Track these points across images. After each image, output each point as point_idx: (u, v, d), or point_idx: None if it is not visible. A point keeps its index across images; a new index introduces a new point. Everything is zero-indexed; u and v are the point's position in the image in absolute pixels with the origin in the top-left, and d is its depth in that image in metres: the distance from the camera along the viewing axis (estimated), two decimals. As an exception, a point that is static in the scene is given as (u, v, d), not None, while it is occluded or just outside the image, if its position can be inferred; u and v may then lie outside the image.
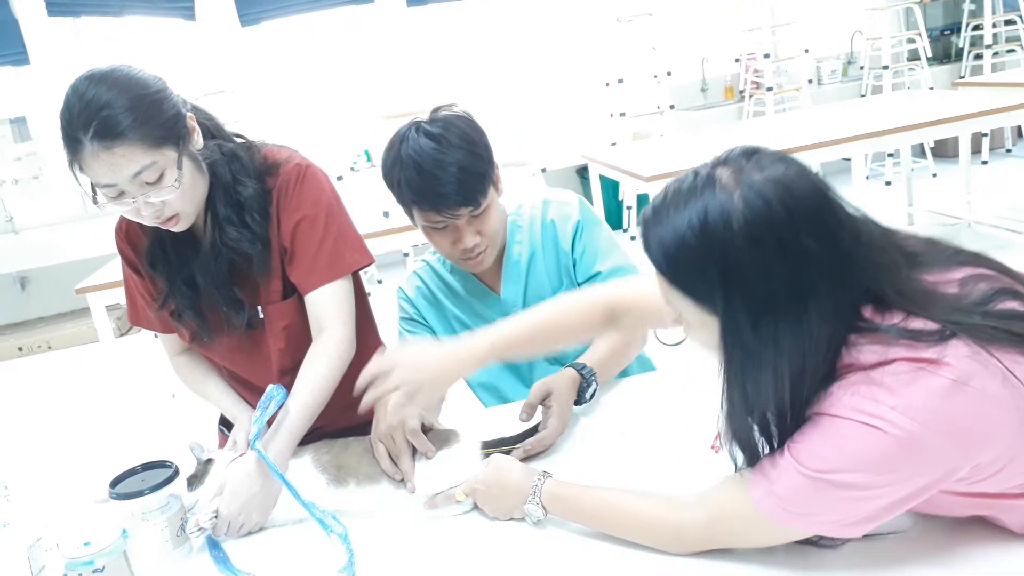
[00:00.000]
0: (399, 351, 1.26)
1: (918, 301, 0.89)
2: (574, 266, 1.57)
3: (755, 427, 0.94)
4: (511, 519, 1.15)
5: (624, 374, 1.60)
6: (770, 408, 0.91)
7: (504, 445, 1.31)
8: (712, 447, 1.20)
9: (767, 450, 0.95)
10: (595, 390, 1.43)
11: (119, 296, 3.47)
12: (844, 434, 0.86)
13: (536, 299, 1.57)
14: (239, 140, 1.42)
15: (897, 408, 0.83)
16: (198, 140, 1.30)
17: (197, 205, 1.32)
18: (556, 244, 1.59)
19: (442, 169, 1.37)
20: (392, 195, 1.48)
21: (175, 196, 1.25)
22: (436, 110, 1.45)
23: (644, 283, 1.18)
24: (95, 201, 1.25)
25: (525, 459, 1.28)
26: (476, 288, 1.60)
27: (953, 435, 0.83)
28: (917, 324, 0.87)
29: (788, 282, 0.86)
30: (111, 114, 1.16)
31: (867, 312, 0.90)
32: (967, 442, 0.84)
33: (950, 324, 0.86)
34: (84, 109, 1.16)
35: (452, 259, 1.52)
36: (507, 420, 1.39)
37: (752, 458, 0.96)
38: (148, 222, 1.27)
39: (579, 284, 1.58)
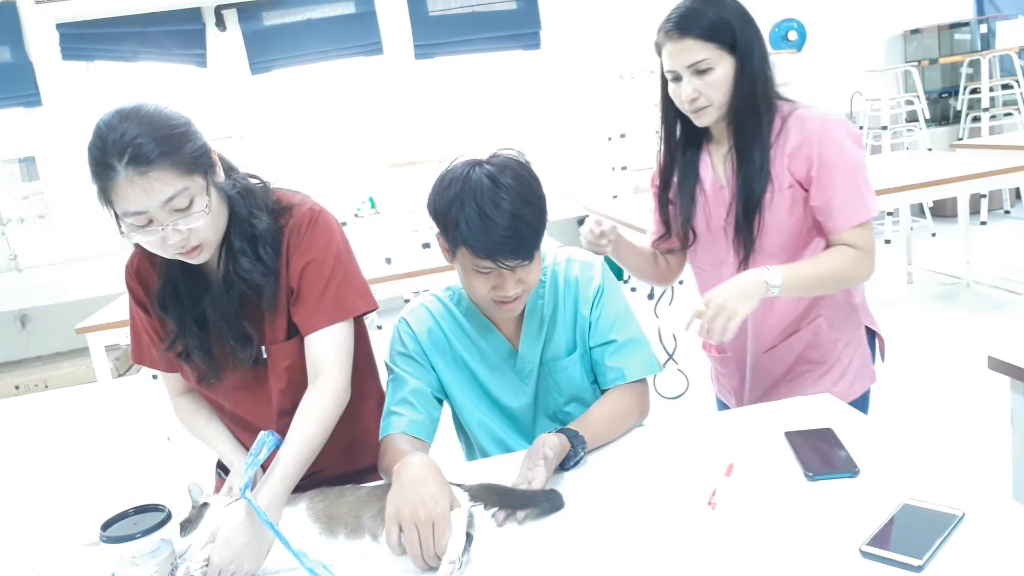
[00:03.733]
0: None
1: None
2: (588, 328, 1.57)
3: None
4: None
5: None
6: (767, 90, 1.64)
7: (492, 495, 1.30)
8: (709, 504, 1.20)
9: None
10: (582, 458, 1.41)
11: (119, 336, 3.48)
12: (816, 134, 1.60)
13: (551, 360, 1.57)
14: (253, 180, 1.45)
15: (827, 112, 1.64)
16: (220, 173, 1.34)
17: (219, 235, 1.35)
18: (576, 305, 1.57)
19: (504, 219, 1.35)
20: (437, 226, 1.44)
21: (203, 223, 1.27)
22: (495, 154, 1.44)
23: None
24: (121, 232, 1.27)
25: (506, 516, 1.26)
26: (495, 340, 1.57)
27: None
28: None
29: (763, 47, 1.62)
30: (145, 142, 1.20)
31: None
32: None
33: None
34: (119, 139, 1.19)
35: (483, 302, 1.48)
36: (493, 471, 1.39)
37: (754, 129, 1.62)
38: (172, 252, 1.28)
39: (591, 348, 1.57)
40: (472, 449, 1.68)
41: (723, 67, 1.57)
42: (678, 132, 1.73)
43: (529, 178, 1.42)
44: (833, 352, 1.74)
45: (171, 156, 1.22)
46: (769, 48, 6.27)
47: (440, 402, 1.58)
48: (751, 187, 1.62)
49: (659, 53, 1.63)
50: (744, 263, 1.66)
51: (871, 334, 1.82)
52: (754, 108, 1.61)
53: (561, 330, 1.57)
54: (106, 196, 1.23)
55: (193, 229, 1.26)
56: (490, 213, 1.35)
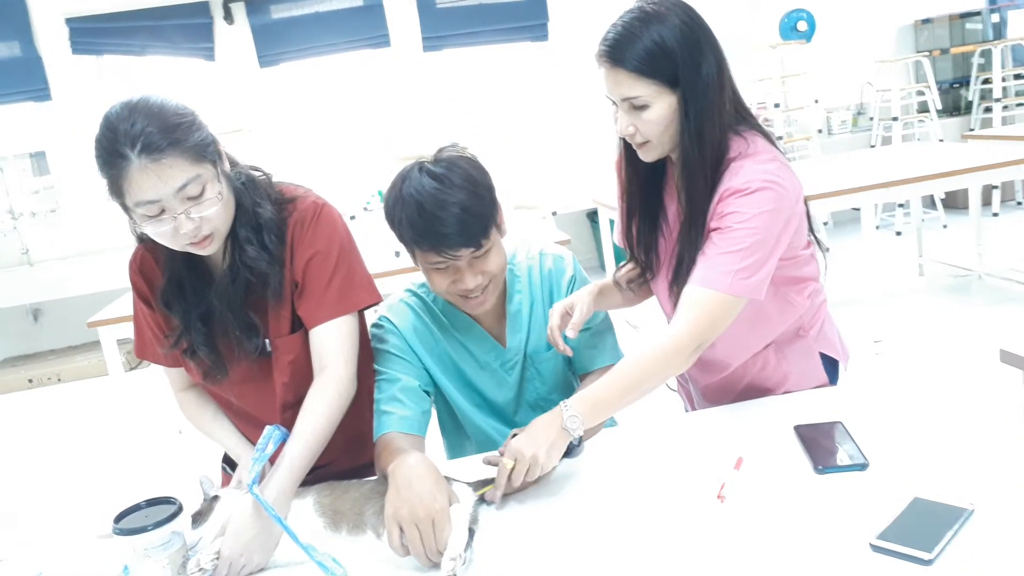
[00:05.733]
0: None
1: (762, 131, 1.45)
2: None
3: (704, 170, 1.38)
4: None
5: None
6: (713, 138, 1.37)
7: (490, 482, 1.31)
8: (718, 497, 1.20)
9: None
10: (581, 447, 1.36)
11: (130, 330, 3.49)
12: (748, 198, 1.35)
13: (536, 350, 1.60)
14: (256, 172, 1.46)
15: (771, 172, 1.36)
16: (227, 164, 1.35)
17: (229, 225, 1.36)
18: (552, 296, 1.61)
19: (444, 209, 1.37)
20: (393, 233, 1.48)
21: (215, 211, 1.28)
22: (440, 150, 1.46)
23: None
24: (133, 223, 1.28)
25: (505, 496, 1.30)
26: (478, 335, 1.58)
27: (794, 192, 1.40)
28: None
29: (713, 65, 1.35)
30: (156, 130, 1.21)
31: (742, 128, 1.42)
32: (798, 204, 1.42)
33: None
34: (131, 128, 1.21)
35: (449, 299, 1.50)
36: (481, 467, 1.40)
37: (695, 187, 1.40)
38: (183, 242, 1.29)
39: (564, 338, 1.57)
40: (455, 446, 1.69)
41: (660, 105, 1.35)
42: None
43: (472, 171, 1.43)
44: (783, 382, 1.60)
45: (182, 144, 1.23)
46: (779, 39, 6.22)
47: (428, 395, 1.57)
48: (690, 242, 1.41)
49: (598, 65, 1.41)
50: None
51: (831, 361, 1.64)
52: (703, 151, 1.37)
53: (540, 322, 1.59)
54: (117, 187, 1.23)
55: (205, 217, 1.27)
56: (429, 207, 1.37)
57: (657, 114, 1.35)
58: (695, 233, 1.41)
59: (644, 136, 1.39)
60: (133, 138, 1.20)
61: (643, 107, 1.36)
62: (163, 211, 1.24)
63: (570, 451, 1.37)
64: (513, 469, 1.26)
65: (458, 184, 1.39)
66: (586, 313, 1.51)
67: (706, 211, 1.40)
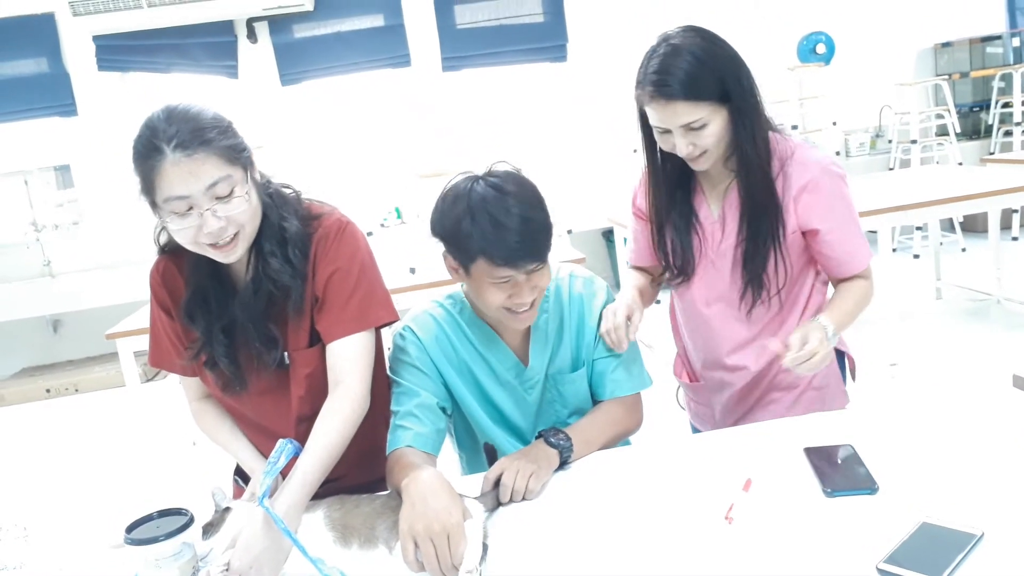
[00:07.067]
0: None
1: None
2: (595, 341, 1.59)
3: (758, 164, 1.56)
4: None
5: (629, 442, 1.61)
6: (765, 137, 1.57)
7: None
8: (726, 518, 1.20)
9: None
10: (567, 459, 1.47)
11: (147, 342, 3.52)
12: (821, 183, 1.59)
13: (560, 370, 1.59)
14: (286, 189, 1.49)
15: (826, 159, 1.62)
16: (258, 175, 1.40)
17: (255, 229, 1.38)
18: (582, 318, 1.59)
19: (516, 224, 1.37)
20: (447, 246, 1.44)
21: (242, 210, 1.31)
22: (491, 168, 1.44)
23: None
24: (158, 225, 1.33)
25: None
26: (502, 353, 1.57)
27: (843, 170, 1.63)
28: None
29: (746, 73, 1.52)
30: (192, 128, 1.27)
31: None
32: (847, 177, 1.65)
33: None
34: (168, 127, 1.26)
35: (498, 313, 1.47)
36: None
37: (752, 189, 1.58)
38: (207, 241, 1.31)
39: (593, 361, 1.59)
40: (473, 462, 1.69)
41: (717, 121, 1.50)
42: (666, 169, 1.66)
43: (530, 185, 1.44)
44: (804, 377, 1.69)
45: (215, 143, 1.28)
46: (797, 61, 6.21)
47: (445, 412, 1.55)
48: (761, 231, 1.59)
49: (639, 104, 1.54)
50: (752, 309, 1.66)
51: (841, 356, 1.79)
52: (759, 150, 1.55)
53: (567, 343, 1.58)
54: (149, 182, 1.27)
55: (231, 217, 1.30)
56: (503, 220, 1.37)
57: (715, 129, 1.50)
58: (768, 221, 1.58)
59: (703, 148, 1.52)
60: (169, 135, 1.25)
61: (701, 127, 1.49)
62: (191, 208, 1.28)
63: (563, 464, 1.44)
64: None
65: (526, 200, 1.40)
66: (641, 316, 1.60)
67: (769, 203, 1.57)
